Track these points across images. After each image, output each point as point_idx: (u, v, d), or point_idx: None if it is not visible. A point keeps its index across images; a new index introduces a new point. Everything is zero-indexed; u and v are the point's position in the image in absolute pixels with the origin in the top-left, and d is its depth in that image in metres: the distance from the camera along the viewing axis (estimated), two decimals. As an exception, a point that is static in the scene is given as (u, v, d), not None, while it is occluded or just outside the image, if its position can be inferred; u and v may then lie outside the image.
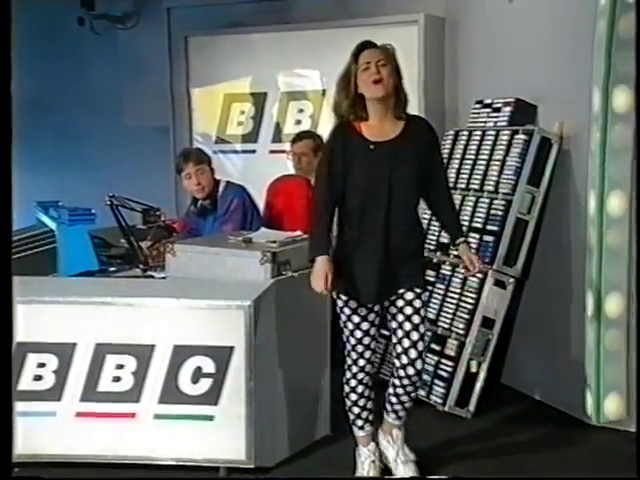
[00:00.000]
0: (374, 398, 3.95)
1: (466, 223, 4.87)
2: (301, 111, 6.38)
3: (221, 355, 3.98)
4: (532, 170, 4.73)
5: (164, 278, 4.41)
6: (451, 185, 5.03)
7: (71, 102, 7.29)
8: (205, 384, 4.02)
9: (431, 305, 4.89)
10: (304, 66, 6.43)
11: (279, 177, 5.57)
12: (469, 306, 4.68)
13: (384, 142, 3.68)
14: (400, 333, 3.76)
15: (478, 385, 4.64)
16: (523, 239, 4.73)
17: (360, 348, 3.81)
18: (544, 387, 4.93)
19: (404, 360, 3.76)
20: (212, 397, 4.00)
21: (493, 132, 5.01)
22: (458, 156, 5.21)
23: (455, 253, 4.25)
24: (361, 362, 3.83)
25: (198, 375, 4.02)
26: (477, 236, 4.81)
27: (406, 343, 3.76)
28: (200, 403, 4.02)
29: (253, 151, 6.49)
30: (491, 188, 4.85)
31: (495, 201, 4.81)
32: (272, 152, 6.44)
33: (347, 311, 3.78)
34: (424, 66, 6.05)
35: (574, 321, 4.55)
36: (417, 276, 3.82)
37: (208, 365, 4.00)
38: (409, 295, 3.75)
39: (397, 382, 3.83)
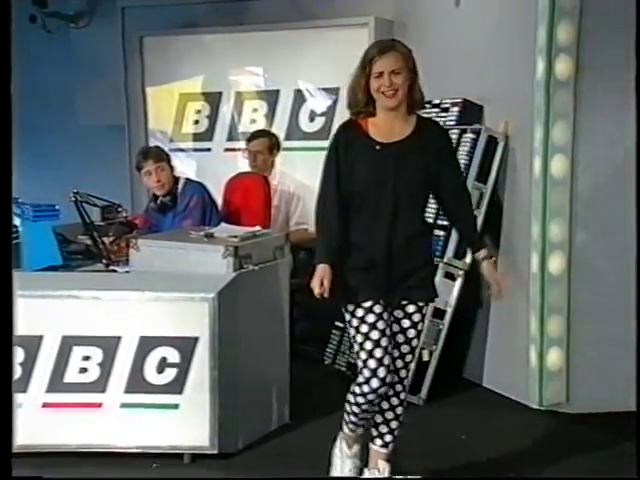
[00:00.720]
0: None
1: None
2: (255, 110, 6.51)
3: (186, 346, 4.09)
4: (480, 167, 4.96)
5: (127, 272, 4.49)
6: None
7: (25, 100, 7.27)
8: (170, 374, 4.12)
9: None
10: (258, 66, 6.56)
11: (236, 174, 5.71)
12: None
13: (391, 143, 3.54)
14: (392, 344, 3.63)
15: (430, 373, 4.84)
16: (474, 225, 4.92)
17: (376, 352, 3.55)
18: (491, 375, 5.18)
19: (394, 377, 3.65)
20: (177, 386, 4.11)
21: None
22: None
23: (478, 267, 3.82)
24: (380, 372, 3.59)
25: (163, 365, 4.12)
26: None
27: (395, 353, 3.62)
28: (165, 392, 4.11)
29: (208, 149, 6.60)
30: None
31: None
32: (227, 150, 6.57)
33: (355, 322, 3.58)
34: None
35: (520, 310, 4.79)
36: (422, 288, 3.65)
37: (173, 355, 4.11)
38: (410, 308, 3.62)
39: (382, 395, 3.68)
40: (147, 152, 5.15)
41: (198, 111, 6.68)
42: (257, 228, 4.62)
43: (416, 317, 3.63)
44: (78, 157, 6.92)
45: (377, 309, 3.54)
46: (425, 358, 4.83)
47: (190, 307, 4.12)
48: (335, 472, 3.82)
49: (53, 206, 4.66)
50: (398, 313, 3.61)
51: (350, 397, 3.61)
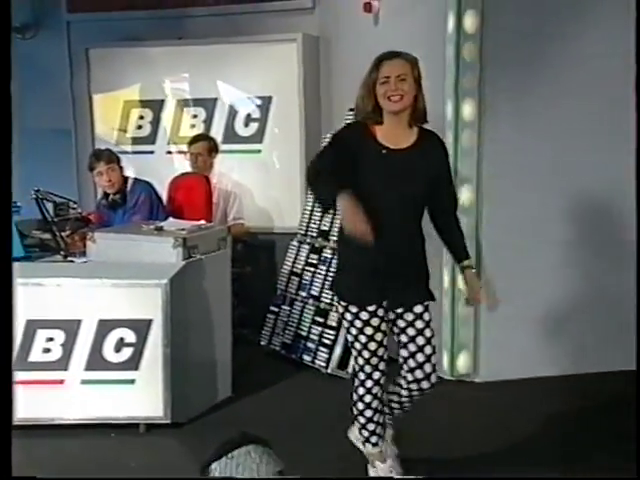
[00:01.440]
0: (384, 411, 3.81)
1: None
2: (195, 117, 6.65)
3: (141, 327, 4.46)
4: None
5: (86, 262, 4.81)
6: None
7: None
8: (127, 352, 4.48)
9: (315, 284, 5.52)
10: (197, 76, 6.70)
11: (179, 174, 6.01)
12: None
13: (397, 150, 3.52)
14: (413, 347, 3.60)
15: None
16: None
17: (369, 356, 3.60)
18: None
19: (419, 375, 3.63)
20: (133, 363, 4.46)
21: None
22: None
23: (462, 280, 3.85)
24: (375, 374, 3.65)
25: (120, 345, 4.48)
26: None
27: (420, 358, 3.60)
28: (122, 369, 4.47)
29: (151, 152, 6.74)
30: None
31: None
32: (168, 153, 6.73)
33: (358, 324, 3.58)
34: (302, 78, 6.44)
35: (434, 294, 5.22)
36: (425, 289, 3.65)
37: (129, 336, 4.47)
38: (418, 308, 3.60)
39: (405, 393, 3.70)
40: (99, 154, 5.41)
41: (141, 117, 6.77)
42: (202, 222, 4.99)
43: (426, 316, 3.61)
44: (29, 158, 6.99)
45: (380, 312, 3.56)
46: (352, 338, 5.29)
47: (144, 293, 4.48)
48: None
49: (15, 202, 4.91)
50: (408, 315, 3.59)
51: (357, 406, 3.69)
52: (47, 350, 4.43)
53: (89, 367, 4.46)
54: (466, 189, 5.05)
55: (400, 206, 3.47)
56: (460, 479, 3.81)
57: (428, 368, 3.59)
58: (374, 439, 3.75)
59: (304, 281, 5.68)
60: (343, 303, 3.59)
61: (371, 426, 3.72)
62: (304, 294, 5.61)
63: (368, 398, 3.65)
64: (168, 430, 4.40)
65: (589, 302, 5.28)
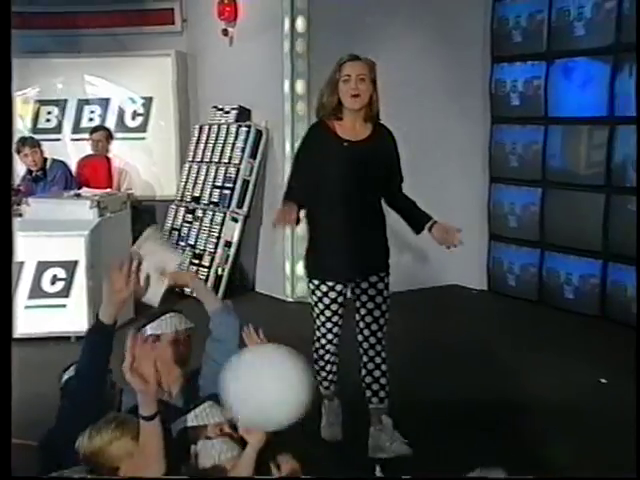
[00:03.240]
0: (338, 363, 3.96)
1: (210, 183, 7.00)
2: (93, 112, 7.82)
3: (69, 266, 5.76)
4: (251, 149, 6.82)
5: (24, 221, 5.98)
6: (199, 159, 7.11)
7: None
8: (60, 285, 5.75)
9: (191, 235, 6.99)
10: (94, 81, 7.80)
11: (84, 156, 7.27)
12: (216, 234, 6.80)
13: (356, 141, 3.66)
14: (363, 311, 3.78)
15: (223, 283, 6.71)
16: (246, 192, 6.84)
17: (329, 325, 3.78)
18: (260, 282, 7.11)
19: (372, 340, 3.80)
20: (64, 293, 5.75)
21: (225, 126, 7.15)
22: (203, 141, 7.30)
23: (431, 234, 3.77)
24: (329, 336, 3.82)
25: (55, 279, 5.74)
26: (219, 191, 6.96)
27: (368, 319, 3.78)
28: (57, 297, 5.74)
29: (59, 139, 7.79)
30: (226, 161, 7.00)
31: (230, 168, 6.95)
32: (73, 140, 7.83)
33: (318, 293, 3.74)
34: (175, 83, 7.71)
35: (278, 239, 6.71)
36: (382, 261, 3.78)
37: (61, 273, 5.76)
38: (373, 278, 3.74)
39: (366, 359, 3.84)
40: (24, 140, 6.61)
41: (49, 112, 7.80)
42: (108, 190, 6.41)
43: (380, 285, 3.77)
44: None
45: (338, 287, 3.73)
46: (219, 273, 6.71)
47: (72, 241, 5.77)
48: (323, 420, 4.02)
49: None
50: (364, 284, 3.75)
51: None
52: (-1, 284, 5.67)
53: (31, 296, 5.67)
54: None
55: (361, 189, 3.64)
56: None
57: (377, 332, 3.79)
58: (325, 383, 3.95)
59: (182, 234, 7.16)
60: (308, 277, 3.83)
61: (327, 368, 3.92)
62: (183, 243, 7.10)
63: (321, 351, 3.87)
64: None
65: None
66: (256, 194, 6.96)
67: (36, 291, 5.70)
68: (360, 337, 3.81)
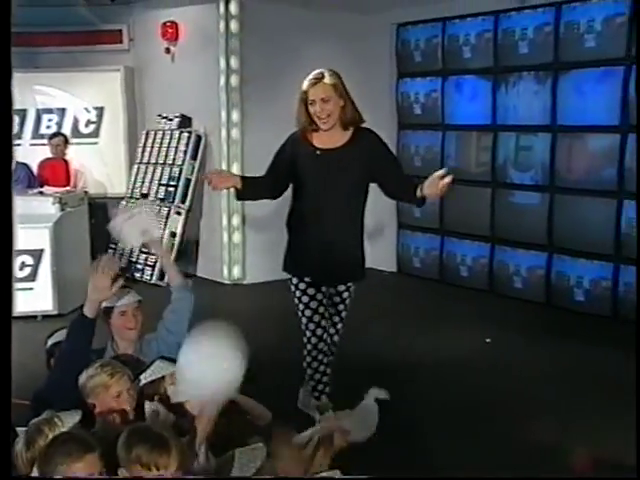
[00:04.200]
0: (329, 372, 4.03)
1: (157, 181, 7.74)
2: (51, 120, 8.43)
3: (36, 254, 6.43)
4: (192, 151, 7.58)
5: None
6: (146, 161, 7.77)
7: None
8: (27, 270, 6.42)
9: None
10: (51, 93, 8.35)
11: (45, 159, 7.91)
12: (162, 225, 7.46)
13: (330, 149, 3.67)
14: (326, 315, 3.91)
15: None
16: (188, 188, 7.60)
17: (312, 326, 3.81)
18: (203, 267, 7.83)
19: (335, 339, 4.03)
20: (31, 277, 6.42)
21: (169, 132, 7.89)
22: (150, 145, 8.00)
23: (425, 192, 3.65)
24: (313, 339, 3.84)
25: (23, 266, 6.39)
26: (164, 188, 7.73)
27: (331, 329, 3.96)
28: (25, 281, 6.35)
29: (19, 144, 8.22)
30: (170, 162, 7.76)
31: (174, 168, 7.73)
32: (32, 145, 8.38)
33: (298, 293, 3.78)
34: (125, 96, 8.35)
35: (217, 228, 7.54)
36: (353, 270, 3.86)
37: (28, 260, 6.42)
38: (341, 287, 3.86)
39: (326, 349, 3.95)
40: None
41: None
42: (67, 188, 7.16)
43: (345, 294, 3.90)
44: None
45: (314, 286, 3.80)
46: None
47: (38, 232, 6.43)
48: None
49: None
50: (332, 290, 3.88)
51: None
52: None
53: (2, 281, 6.42)
54: (234, 162, 7.39)
55: (335, 196, 3.67)
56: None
57: (335, 337, 4.01)
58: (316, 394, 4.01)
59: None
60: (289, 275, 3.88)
61: (317, 376, 3.97)
62: None
63: (310, 357, 3.91)
64: (57, 318, 6.08)
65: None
66: (197, 191, 7.70)
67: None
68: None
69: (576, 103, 6.50)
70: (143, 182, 8.08)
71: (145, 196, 7.96)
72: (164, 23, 7.85)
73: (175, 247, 7.55)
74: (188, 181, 7.67)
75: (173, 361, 2.83)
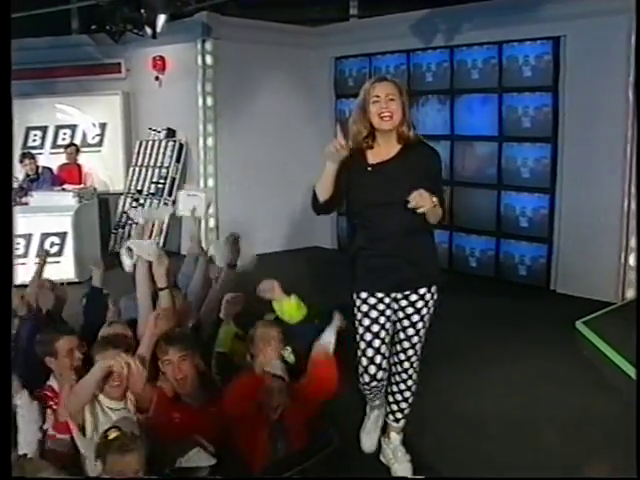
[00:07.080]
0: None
1: (149, 180, 9.26)
2: (65, 134, 9.80)
3: (62, 235, 7.88)
4: (176, 156, 9.07)
5: (29, 206, 8.16)
6: (140, 164, 9.21)
7: None
8: (55, 248, 7.83)
9: (135, 215, 9.36)
10: (66, 112, 9.69)
11: (62, 164, 9.36)
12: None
13: (380, 163, 3.31)
14: (399, 332, 3.50)
15: None
16: (174, 185, 9.06)
17: (368, 336, 3.43)
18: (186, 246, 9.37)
19: (401, 356, 3.51)
20: (59, 253, 7.82)
21: (158, 141, 9.39)
22: (142, 152, 9.48)
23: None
24: (372, 348, 3.47)
25: (52, 244, 7.83)
26: (155, 185, 9.23)
27: (405, 344, 3.48)
28: (54, 256, 7.66)
29: (42, 153, 9.56)
30: (159, 165, 9.29)
31: (162, 170, 9.24)
32: (51, 153, 9.72)
33: (358, 302, 3.44)
34: (122, 114, 9.69)
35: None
36: (421, 278, 3.41)
37: (56, 240, 7.86)
38: (413, 297, 3.42)
39: (392, 379, 3.58)
40: (25, 154, 8.72)
41: (35, 134, 9.72)
42: (81, 186, 8.75)
43: (419, 304, 3.42)
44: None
45: (376, 297, 3.41)
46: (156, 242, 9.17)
47: (62, 219, 7.88)
48: (366, 420, 3.83)
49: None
50: (402, 302, 3.43)
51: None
52: (16, 249, 7.59)
53: (38, 255, 7.67)
54: (209, 167, 9.09)
55: (392, 208, 3.25)
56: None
57: (410, 352, 3.52)
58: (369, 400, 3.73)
59: (130, 215, 9.50)
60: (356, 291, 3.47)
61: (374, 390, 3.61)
62: (130, 222, 9.40)
63: (367, 374, 3.52)
64: (77, 285, 7.08)
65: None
66: (180, 187, 9.04)
67: (41, 252, 7.54)
68: (393, 350, 3.56)
69: (467, 119, 8.23)
70: (138, 181, 9.48)
71: (139, 192, 9.45)
72: (154, 57, 9.17)
73: (164, 231, 9.00)
74: (173, 179, 9.10)
75: None
